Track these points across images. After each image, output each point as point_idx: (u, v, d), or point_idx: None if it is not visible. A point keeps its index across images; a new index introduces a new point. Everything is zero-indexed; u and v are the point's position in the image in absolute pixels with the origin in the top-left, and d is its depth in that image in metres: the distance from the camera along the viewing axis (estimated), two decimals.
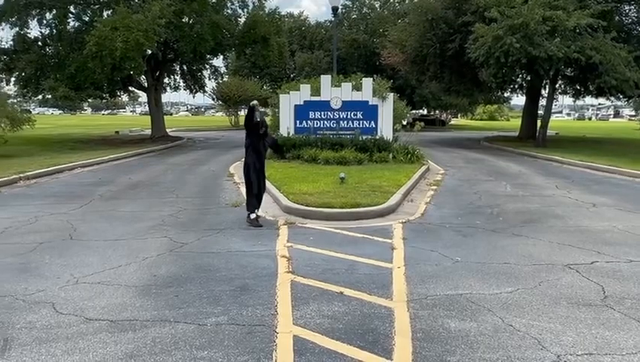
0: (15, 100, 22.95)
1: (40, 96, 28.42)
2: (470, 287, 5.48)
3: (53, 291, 5.29)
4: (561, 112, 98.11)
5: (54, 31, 25.67)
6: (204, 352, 3.99)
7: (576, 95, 30.93)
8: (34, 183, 12.95)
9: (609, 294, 5.31)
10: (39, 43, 26.32)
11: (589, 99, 43.47)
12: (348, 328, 4.44)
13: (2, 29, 25.04)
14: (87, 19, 25.53)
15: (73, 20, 26.38)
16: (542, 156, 20.45)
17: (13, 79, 26.78)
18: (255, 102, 8.59)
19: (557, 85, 27.60)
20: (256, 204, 8.50)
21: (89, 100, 40.53)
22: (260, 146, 8.62)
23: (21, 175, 13.30)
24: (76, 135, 32.68)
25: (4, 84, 25.25)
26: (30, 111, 25.04)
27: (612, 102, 40.87)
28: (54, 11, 25.03)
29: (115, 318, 4.62)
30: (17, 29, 25.67)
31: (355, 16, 54.17)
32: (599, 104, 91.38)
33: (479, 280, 5.70)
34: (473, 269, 6.09)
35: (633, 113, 71.09)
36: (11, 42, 26.26)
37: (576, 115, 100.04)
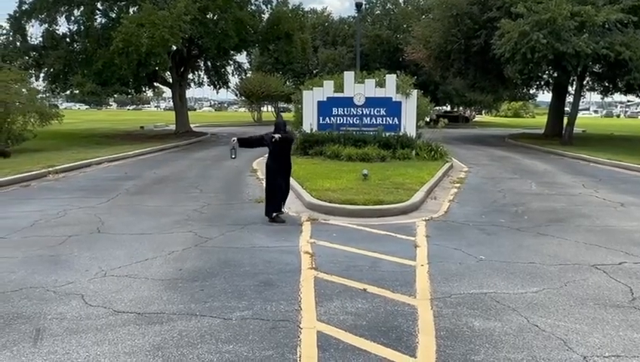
0: (44, 95, 23.40)
1: (68, 92, 28.98)
2: (495, 286, 5.44)
3: (83, 283, 5.42)
4: (588, 109, 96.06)
5: (82, 27, 26.16)
6: (229, 346, 4.04)
7: (605, 92, 30.30)
8: (62, 177, 13.23)
9: (637, 295, 5.21)
10: (67, 39, 26.86)
11: (617, 96, 42.50)
12: (371, 325, 4.45)
13: (32, 26, 25.51)
14: (113, 15, 25.95)
15: (100, 17, 26.86)
16: (568, 154, 20.11)
17: (42, 75, 27.39)
18: (234, 139, 8.56)
19: (584, 82, 27.08)
20: (273, 207, 8.43)
21: (115, 96, 41.10)
22: (279, 150, 8.51)
23: (50, 169, 13.61)
24: (102, 130, 33.27)
25: (33, 79, 25.77)
26: (58, 107, 25.45)
27: None
28: (82, 8, 25.50)
29: (142, 311, 4.71)
30: (46, 25, 26.25)
31: (378, 12, 53.90)
32: (628, 101, 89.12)
33: (504, 280, 5.65)
34: (498, 268, 6.05)
35: None
36: (40, 39, 26.84)
37: (604, 112, 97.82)
